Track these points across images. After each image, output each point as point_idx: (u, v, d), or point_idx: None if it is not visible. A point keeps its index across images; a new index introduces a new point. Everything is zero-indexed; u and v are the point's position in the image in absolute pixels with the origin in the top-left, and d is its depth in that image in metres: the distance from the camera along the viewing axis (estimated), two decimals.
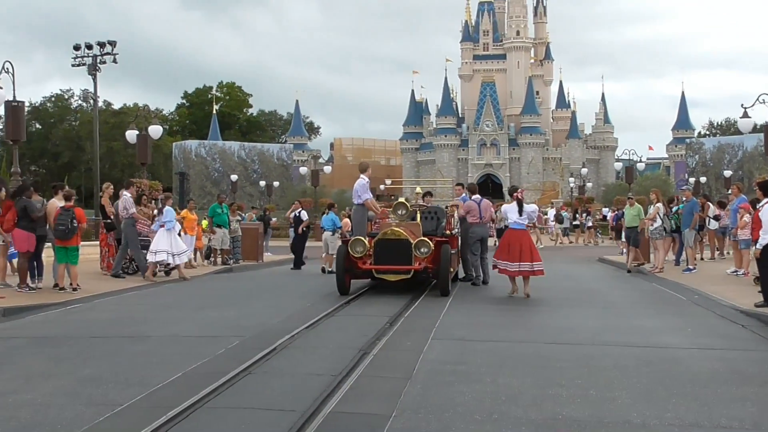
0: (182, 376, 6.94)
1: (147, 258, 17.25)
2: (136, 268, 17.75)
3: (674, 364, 7.63)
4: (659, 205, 19.41)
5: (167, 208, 17.76)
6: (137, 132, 26.10)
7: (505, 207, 14.81)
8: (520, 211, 13.86)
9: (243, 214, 29.41)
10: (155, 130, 25.87)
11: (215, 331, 9.60)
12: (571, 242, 40.70)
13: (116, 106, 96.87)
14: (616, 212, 33.02)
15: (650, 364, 7.60)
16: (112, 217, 17.99)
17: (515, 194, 14.45)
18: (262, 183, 76.79)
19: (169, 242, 17.27)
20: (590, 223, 42.37)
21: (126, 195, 17.52)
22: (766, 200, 11.59)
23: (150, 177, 27.23)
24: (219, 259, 22.40)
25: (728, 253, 21.83)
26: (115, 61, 37.32)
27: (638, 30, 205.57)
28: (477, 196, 16.32)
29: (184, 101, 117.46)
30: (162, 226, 17.38)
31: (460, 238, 16.28)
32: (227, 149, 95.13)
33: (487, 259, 16.08)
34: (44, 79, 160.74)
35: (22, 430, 5.29)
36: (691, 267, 18.56)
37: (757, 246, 11.27)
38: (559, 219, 41.83)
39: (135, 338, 9.14)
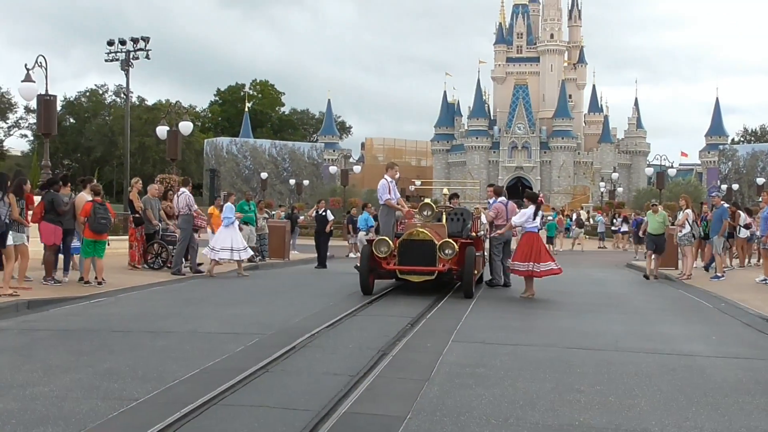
0: (200, 372, 6.94)
1: (208, 254, 17.85)
2: (162, 263, 17.89)
3: (697, 373, 7.52)
4: (688, 211, 19.20)
5: (227, 204, 18.34)
6: (168, 128, 26.29)
7: (526, 211, 14.48)
8: (536, 213, 14.23)
9: (270, 212, 29.51)
10: (185, 126, 26.06)
11: (236, 328, 9.62)
12: (604, 247, 40.06)
13: (150, 102, 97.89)
14: (636, 218, 33.09)
15: (672, 372, 7.49)
16: (140, 212, 18.12)
17: (539, 199, 14.62)
18: (292, 181, 77.30)
19: (230, 239, 17.73)
20: (625, 228, 41.69)
21: (186, 192, 17.95)
22: None
23: (180, 173, 27.36)
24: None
25: (758, 261, 21.52)
26: (148, 57, 37.59)
27: (673, 35, 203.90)
28: (503, 199, 16.23)
29: (217, 98, 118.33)
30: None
31: (488, 240, 16.22)
32: (258, 147, 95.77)
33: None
34: (82, 74, 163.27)
35: (37, 422, 5.31)
36: (719, 274, 18.31)
37: None
38: (579, 223, 41.51)
39: (156, 333, 9.17)
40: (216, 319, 10.42)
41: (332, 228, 22.94)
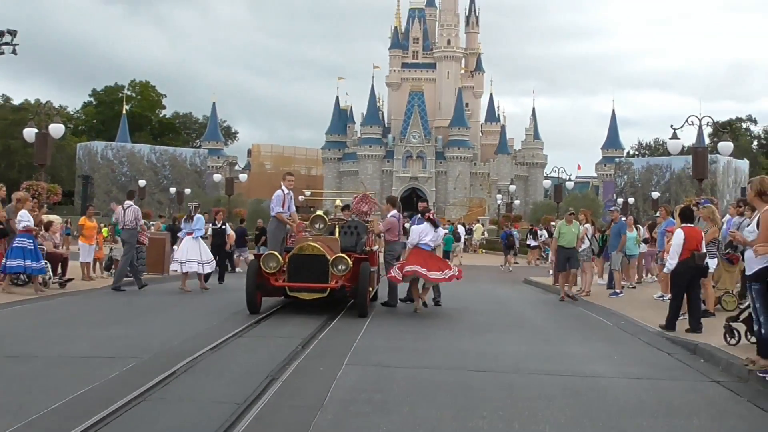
0: (68, 402, 6.58)
1: (175, 268, 18.38)
2: (27, 279, 17.09)
3: (601, 394, 7.62)
4: (588, 225, 19.67)
5: (197, 215, 18.58)
6: (36, 130, 25.22)
7: (416, 228, 14.65)
8: (435, 228, 14.53)
9: (149, 223, 28.73)
10: (56, 129, 25.04)
11: (110, 351, 9.26)
12: (516, 263, 40.23)
13: (17, 101, 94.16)
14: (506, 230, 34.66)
15: (576, 394, 7.57)
16: (3, 222, 17.26)
17: (428, 214, 14.82)
18: (173, 190, 75.59)
19: (198, 251, 17.88)
20: (534, 243, 42.07)
21: (133, 205, 18.40)
22: (681, 226, 12.31)
23: (49, 180, 26.29)
24: None
25: (653, 276, 22.27)
26: (14, 52, 36.03)
27: (572, 46, 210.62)
28: (395, 212, 16.19)
29: (92, 99, 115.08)
30: (190, 234, 18.21)
31: (381, 255, 16.19)
32: (136, 152, 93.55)
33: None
34: None
35: None
36: (618, 291, 18.82)
37: (665, 270, 11.76)
38: (456, 237, 42.11)
39: (17, 358, 8.68)
40: (88, 342, 10.01)
41: (233, 245, 22.50)
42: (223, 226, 22.58)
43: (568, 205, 61.01)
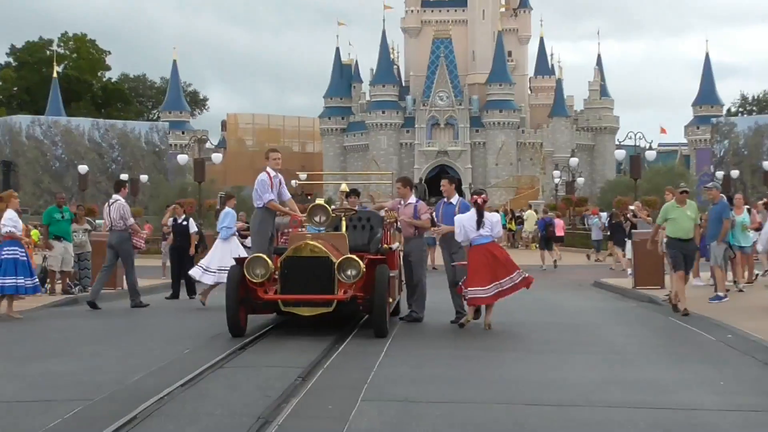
0: None
1: (201, 279, 19.07)
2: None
3: None
4: None
5: (227, 209, 19.22)
6: None
7: (463, 218, 14.74)
8: (479, 222, 14.44)
9: (95, 221, 28.83)
10: None
11: (48, 392, 9.34)
12: (598, 260, 40.01)
13: None
14: (545, 217, 35.72)
15: None
16: None
17: (474, 198, 14.80)
18: (125, 176, 75.86)
19: (229, 255, 17.92)
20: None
21: (120, 200, 19.01)
22: None
23: None
24: (58, 286, 21.92)
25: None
26: None
27: None
28: (413, 198, 16.05)
29: (11, 60, 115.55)
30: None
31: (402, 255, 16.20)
32: (74, 128, 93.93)
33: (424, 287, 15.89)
34: None
35: None
36: (721, 295, 18.76)
37: None
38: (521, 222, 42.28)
39: None
40: (18, 380, 10.08)
41: (197, 243, 22.61)
42: (185, 222, 22.62)
43: (649, 182, 60.96)
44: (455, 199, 15.72)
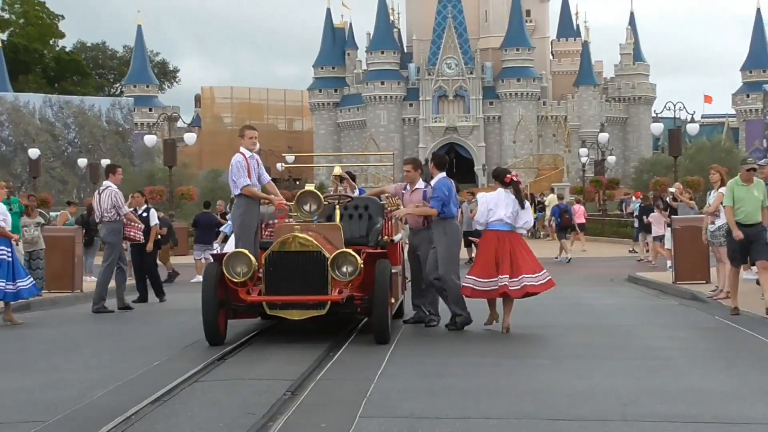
0: None
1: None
2: None
3: None
4: (723, 190, 19.50)
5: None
6: None
7: (488, 197, 14.77)
8: (522, 205, 14.55)
9: (49, 214, 28.82)
10: None
11: None
12: (633, 251, 39.84)
13: None
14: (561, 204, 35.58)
15: None
16: None
17: (509, 176, 14.76)
18: (83, 161, 75.91)
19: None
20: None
21: (111, 187, 19.33)
22: None
23: None
24: None
25: None
26: None
27: None
28: (421, 183, 15.88)
29: None
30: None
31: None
32: (22, 105, 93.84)
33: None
34: None
35: None
36: None
37: None
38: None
39: None
40: None
41: (160, 236, 22.62)
42: (146, 213, 22.53)
43: (691, 159, 60.86)
44: (420, 183, 15.59)
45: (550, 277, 14.62)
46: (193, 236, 33.68)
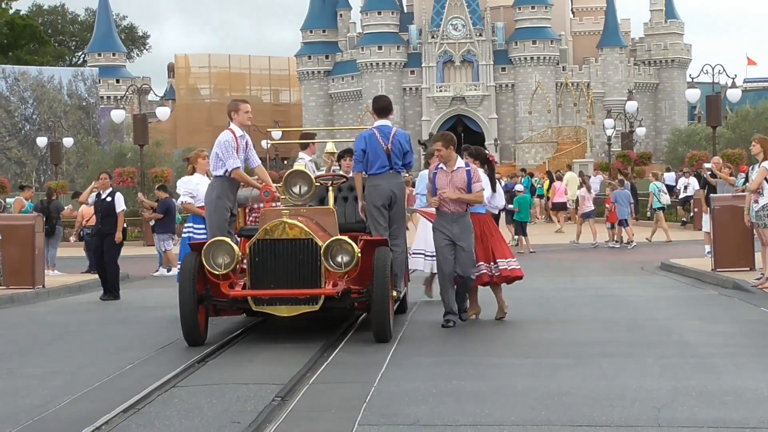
0: None
1: (425, 268, 18.49)
2: None
3: None
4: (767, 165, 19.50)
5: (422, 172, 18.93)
6: None
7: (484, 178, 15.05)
8: (493, 187, 15.10)
9: (5, 201, 28.89)
10: None
11: None
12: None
13: None
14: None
15: None
16: None
17: (490, 155, 15.57)
18: (42, 140, 75.86)
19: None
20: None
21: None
22: None
23: None
24: None
25: None
26: None
27: None
28: (461, 161, 15.44)
29: None
30: None
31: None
32: None
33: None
34: None
35: None
36: None
37: None
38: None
39: None
40: None
41: (126, 226, 22.67)
42: (110, 198, 22.46)
43: (733, 130, 60.75)
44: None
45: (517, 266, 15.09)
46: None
